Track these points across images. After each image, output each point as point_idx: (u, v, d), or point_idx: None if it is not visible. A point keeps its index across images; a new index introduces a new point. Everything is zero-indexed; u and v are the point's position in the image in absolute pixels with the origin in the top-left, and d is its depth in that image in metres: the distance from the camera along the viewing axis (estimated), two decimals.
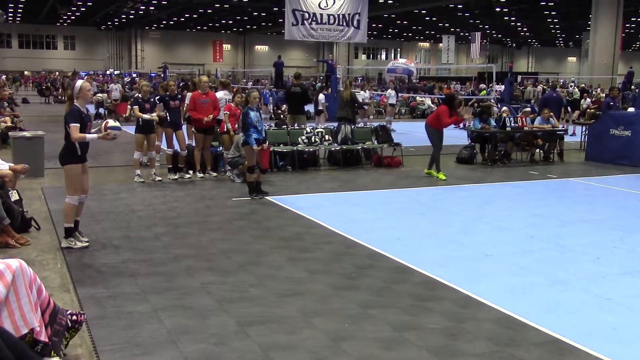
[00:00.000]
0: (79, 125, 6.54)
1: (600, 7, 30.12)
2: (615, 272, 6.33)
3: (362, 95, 21.09)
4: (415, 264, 6.39)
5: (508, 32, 65.85)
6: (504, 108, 18.34)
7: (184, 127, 12.04)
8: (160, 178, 11.02)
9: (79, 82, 6.83)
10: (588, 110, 23.80)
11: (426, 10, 48.69)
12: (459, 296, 5.52)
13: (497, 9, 46.20)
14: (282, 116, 22.15)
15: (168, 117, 11.14)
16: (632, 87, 30.77)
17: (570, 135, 19.02)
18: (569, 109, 23.97)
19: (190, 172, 11.49)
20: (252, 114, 9.60)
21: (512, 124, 14.02)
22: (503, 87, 26.26)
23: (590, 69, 32.40)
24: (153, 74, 48.15)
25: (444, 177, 11.69)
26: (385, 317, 5.01)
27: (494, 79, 27.68)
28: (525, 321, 4.96)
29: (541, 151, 14.73)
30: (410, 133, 19.79)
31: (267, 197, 9.73)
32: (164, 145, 11.71)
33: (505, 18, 52.07)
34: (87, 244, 6.86)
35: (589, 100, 26.39)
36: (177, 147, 11.38)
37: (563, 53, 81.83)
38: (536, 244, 7.39)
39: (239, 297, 5.40)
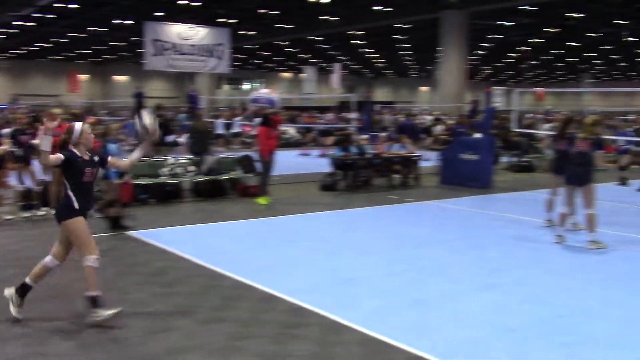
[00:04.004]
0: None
1: (448, 41, 32.35)
2: (469, 289, 6.74)
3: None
4: (283, 292, 6.43)
5: (365, 63, 68.66)
6: (364, 136, 19.03)
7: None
8: (10, 216, 10.30)
9: (79, 126, 5.95)
10: (440, 136, 25.29)
11: (288, 42, 49.70)
12: (326, 322, 5.62)
13: (354, 42, 48.11)
14: None
15: (21, 153, 10.49)
16: (478, 114, 33.04)
17: (426, 160, 20.07)
18: (422, 135, 25.33)
19: (45, 208, 10.84)
20: (112, 146, 9.29)
21: (371, 151, 14.56)
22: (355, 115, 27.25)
23: (441, 98, 34.57)
24: (3, 106, 45.02)
25: (264, 202, 12.09)
26: (251, 348, 4.98)
27: (354, 108, 28.63)
28: (391, 342, 5.13)
29: (399, 176, 15.40)
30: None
31: (128, 232, 9.40)
32: (15, 182, 10.98)
33: (361, 50, 54.26)
34: None
35: (440, 127, 28.05)
36: (28, 183, 10.71)
37: (416, 83, 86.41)
38: (397, 265, 7.69)
39: (104, 339, 5.14)
